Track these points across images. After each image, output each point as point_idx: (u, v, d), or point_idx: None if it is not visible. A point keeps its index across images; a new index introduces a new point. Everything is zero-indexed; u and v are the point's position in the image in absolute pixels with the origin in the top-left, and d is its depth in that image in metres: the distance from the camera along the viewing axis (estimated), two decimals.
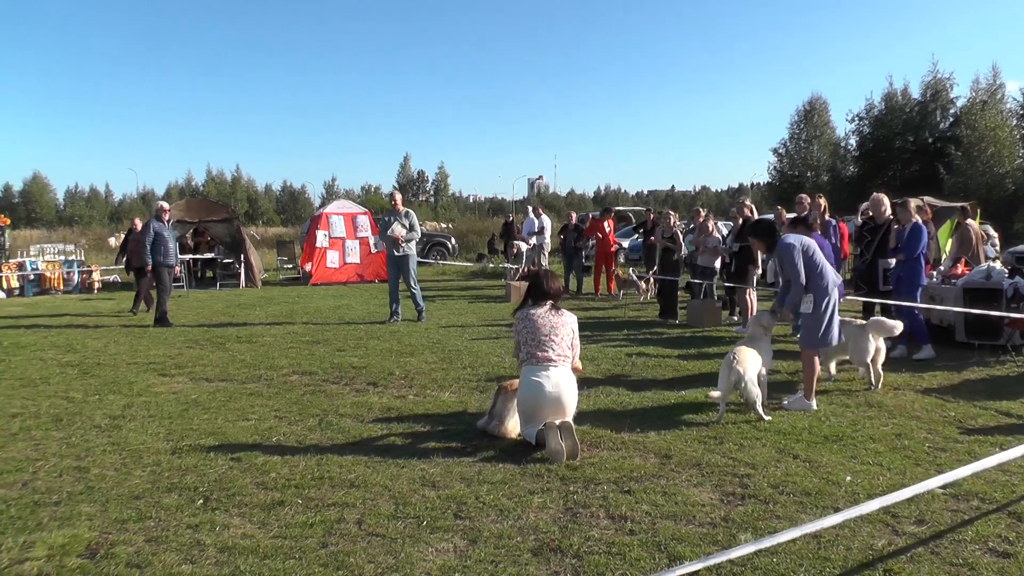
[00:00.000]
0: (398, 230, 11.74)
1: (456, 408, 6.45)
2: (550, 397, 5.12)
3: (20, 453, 5.35)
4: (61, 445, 5.54)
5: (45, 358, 9.19)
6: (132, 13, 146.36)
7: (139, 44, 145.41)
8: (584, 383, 6.49)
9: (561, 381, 5.17)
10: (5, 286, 17.86)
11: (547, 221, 19.17)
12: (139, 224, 14.13)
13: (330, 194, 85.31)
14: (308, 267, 19.68)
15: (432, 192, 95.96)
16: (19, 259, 18.97)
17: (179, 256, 14.10)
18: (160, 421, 6.17)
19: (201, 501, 4.37)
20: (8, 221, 20.57)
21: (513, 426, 5.51)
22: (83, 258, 21.34)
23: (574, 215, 18.45)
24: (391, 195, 12.89)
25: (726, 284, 11.61)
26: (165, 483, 4.68)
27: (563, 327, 5.36)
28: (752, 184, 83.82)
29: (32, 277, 18.29)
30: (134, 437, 5.71)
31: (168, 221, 12.84)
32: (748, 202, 11.96)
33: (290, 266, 22.89)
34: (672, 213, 13.79)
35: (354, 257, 19.97)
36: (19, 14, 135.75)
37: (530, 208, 19.66)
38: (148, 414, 6.40)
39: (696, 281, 12.34)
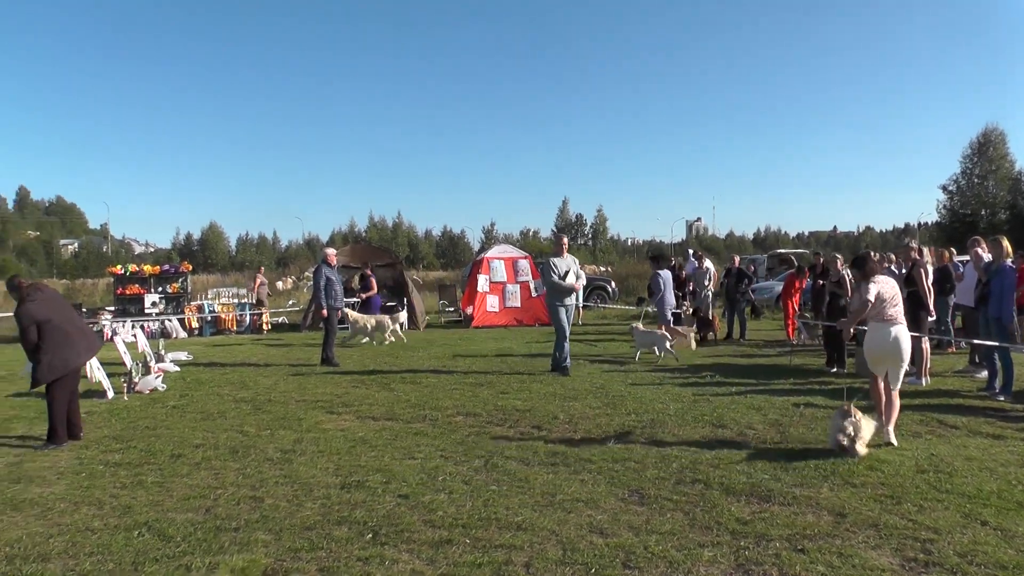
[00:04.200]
0: (575, 280, 11.39)
1: (622, 455, 6.37)
2: (888, 348, 6.74)
3: (203, 481, 5.85)
4: (238, 475, 6.00)
5: (222, 394, 10.01)
6: (291, 77, 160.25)
7: (304, 103, 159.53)
8: (752, 433, 7.11)
9: (898, 336, 6.72)
10: (187, 327, 19.68)
11: (710, 265, 18.56)
12: None
13: (489, 239, 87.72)
14: (469, 310, 20.28)
15: (590, 235, 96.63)
16: (198, 302, 20.83)
17: (345, 299, 14.92)
18: (329, 456, 6.54)
19: (370, 535, 4.57)
20: (190, 267, 22.62)
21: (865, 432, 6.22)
22: (254, 301, 23.06)
23: (736, 259, 17.93)
24: (559, 239, 12.38)
25: None
26: (335, 516, 4.94)
27: (895, 287, 6.84)
28: (920, 223, 79.51)
29: (209, 318, 20.08)
30: (304, 471, 6.08)
31: (335, 267, 13.68)
32: (915, 243, 11.16)
33: (451, 309, 23.65)
34: (838, 256, 13.10)
35: (514, 301, 20.39)
36: (202, 84, 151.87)
37: (690, 252, 19.28)
38: (317, 449, 6.80)
39: (864, 328, 11.59)
